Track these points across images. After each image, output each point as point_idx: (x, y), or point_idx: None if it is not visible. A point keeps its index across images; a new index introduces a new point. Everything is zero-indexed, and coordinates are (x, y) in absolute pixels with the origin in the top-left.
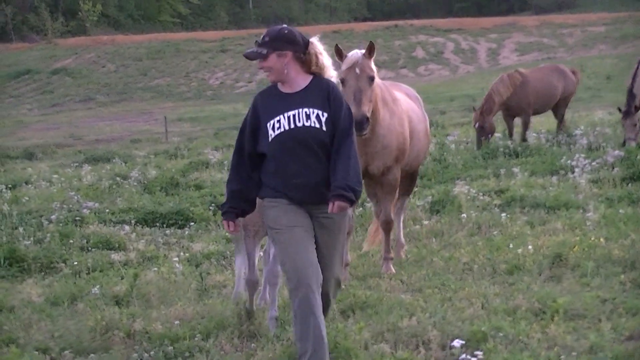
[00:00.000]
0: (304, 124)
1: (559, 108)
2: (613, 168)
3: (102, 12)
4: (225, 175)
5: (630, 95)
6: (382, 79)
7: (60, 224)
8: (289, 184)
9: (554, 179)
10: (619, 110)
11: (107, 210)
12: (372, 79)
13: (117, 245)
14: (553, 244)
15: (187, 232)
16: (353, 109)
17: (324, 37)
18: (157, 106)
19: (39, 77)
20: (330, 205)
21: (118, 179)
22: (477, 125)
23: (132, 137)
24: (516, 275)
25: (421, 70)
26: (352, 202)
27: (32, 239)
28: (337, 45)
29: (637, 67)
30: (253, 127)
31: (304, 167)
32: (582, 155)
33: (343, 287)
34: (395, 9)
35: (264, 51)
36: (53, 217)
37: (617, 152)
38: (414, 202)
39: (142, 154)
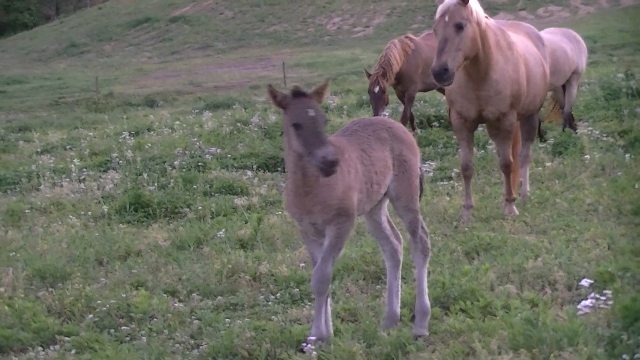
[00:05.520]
0: None
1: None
2: None
3: None
4: (345, 120)
5: None
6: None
7: (184, 170)
8: None
9: None
10: None
11: (229, 156)
12: (459, 26)
13: (239, 190)
14: None
15: None
16: (434, 60)
17: None
18: (274, 52)
19: (158, 25)
20: None
21: (239, 124)
22: (377, 89)
23: (251, 83)
24: None
25: (540, 12)
26: None
27: (156, 184)
28: None
29: None
30: None
31: None
32: None
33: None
34: None
35: None
36: (176, 162)
37: None
38: (535, 144)
39: (261, 99)
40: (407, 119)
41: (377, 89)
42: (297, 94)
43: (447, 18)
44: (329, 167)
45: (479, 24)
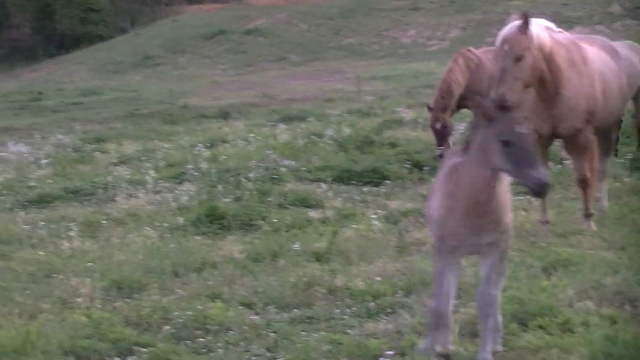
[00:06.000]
0: None
1: None
2: None
3: None
4: (420, 134)
5: None
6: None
7: (258, 182)
8: None
9: None
10: None
11: (304, 168)
12: (518, 57)
13: (314, 203)
14: None
15: (383, 190)
16: (492, 90)
17: None
18: (349, 65)
19: (232, 37)
20: None
21: (313, 137)
22: (438, 125)
23: (325, 96)
24: None
25: (617, 26)
26: None
27: (231, 196)
28: (523, 12)
29: None
30: None
31: None
32: None
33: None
34: None
35: None
36: (251, 175)
37: None
38: (613, 159)
39: (335, 112)
40: None
41: (438, 125)
42: (503, 108)
43: (506, 47)
44: (543, 189)
45: (541, 48)
